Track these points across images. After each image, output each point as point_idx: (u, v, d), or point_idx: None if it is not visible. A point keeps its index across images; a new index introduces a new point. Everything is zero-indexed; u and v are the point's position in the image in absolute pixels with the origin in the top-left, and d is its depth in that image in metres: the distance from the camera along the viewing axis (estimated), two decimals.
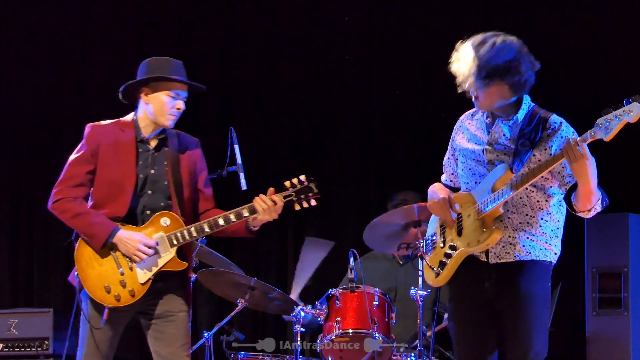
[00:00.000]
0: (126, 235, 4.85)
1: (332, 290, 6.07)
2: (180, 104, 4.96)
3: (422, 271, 4.82)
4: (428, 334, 6.44)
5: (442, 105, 7.68)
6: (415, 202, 6.65)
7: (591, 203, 4.34)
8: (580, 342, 6.48)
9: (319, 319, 6.06)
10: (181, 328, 4.95)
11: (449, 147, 4.79)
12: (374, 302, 5.97)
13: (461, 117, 4.76)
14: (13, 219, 8.46)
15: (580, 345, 6.48)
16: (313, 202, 4.98)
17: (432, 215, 4.78)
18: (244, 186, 5.70)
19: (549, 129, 4.44)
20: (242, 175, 5.80)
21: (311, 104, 8.18)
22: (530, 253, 4.47)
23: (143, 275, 4.87)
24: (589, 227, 6.47)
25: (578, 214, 4.44)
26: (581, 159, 4.19)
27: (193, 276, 6.13)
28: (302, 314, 6.04)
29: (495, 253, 4.48)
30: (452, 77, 7.46)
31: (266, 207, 4.90)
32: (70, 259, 8.24)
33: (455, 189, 4.75)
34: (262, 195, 4.92)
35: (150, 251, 4.85)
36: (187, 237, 4.89)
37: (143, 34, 8.52)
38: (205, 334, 6.29)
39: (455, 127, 4.76)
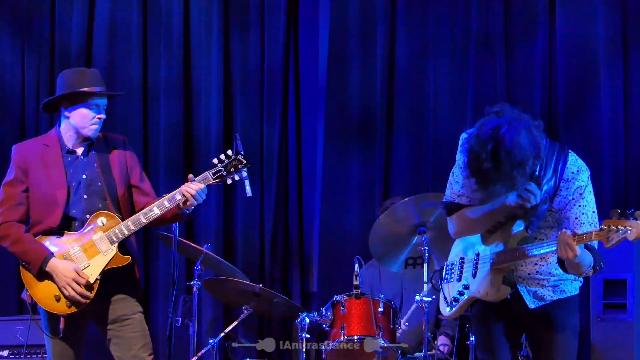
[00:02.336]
0: (60, 266, 4.90)
1: (337, 297, 6.03)
2: (101, 115, 5.06)
3: (440, 299, 4.81)
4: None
5: (445, 112, 7.71)
6: None
7: (581, 272, 4.32)
8: (586, 348, 6.46)
9: (324, 326, 6.03)
10: (138, 330, 5.01)
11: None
12: (379, 309, 5.93)
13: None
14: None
15: (586, 351, 6.48)
16: (244, 174, 5.07)
17: (455, 242, 4.75)
18: (249, 192, 5.65)
19: (565, 181, 4.34)
20: (247, 182, 5.75)
21: (312, 111, 8.16)
22: (564, 291, 4.49)
23: (90, 277, 4.92)
24: None
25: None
26: (572, 257, 4.18)
27: (198, 283, 6.12)
28: (307, 320, 6.00)
29: (532, 299, 4.48)
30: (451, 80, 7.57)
31: (193, 192, 4.93)
32: None
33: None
34: (189, 182, 4.98)
35: (80, 289, 4.88)
36: (126, 232, 4.96)
37: (147, 42, 8.44)
38: (211, 341, 6.33)
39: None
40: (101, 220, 4.96)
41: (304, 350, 6.01)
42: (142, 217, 4.96)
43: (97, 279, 4.91)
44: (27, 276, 5.02)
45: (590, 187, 4.39)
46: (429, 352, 6.00)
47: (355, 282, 5.97)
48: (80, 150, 5.09)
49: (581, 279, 4.50)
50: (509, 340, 4.60)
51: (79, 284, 4.88)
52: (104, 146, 5.12)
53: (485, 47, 7.59)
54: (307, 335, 6.03)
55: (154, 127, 8.18)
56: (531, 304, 4.46)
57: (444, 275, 4.76)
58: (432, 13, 7.77)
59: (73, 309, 4.91)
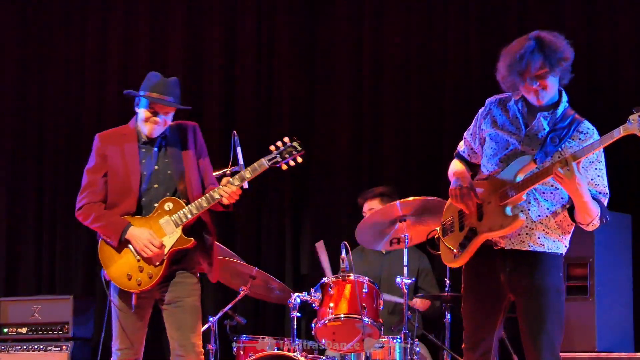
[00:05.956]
0: (136, 232, 4.97)
1: (325, 279, 6.07)
2: (158, 120, 5.05)
3: (440, 253, 4.63)
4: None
5: (430, 104, 7.74)
6: (389, 196, 6.69)
7: (590, 217, 4.23)
8: None
9: (313, 305, 6.04)
10: (189, 312, 5.01)
11: (473, 123, 4.57)
12: (364, 290, 5.93)
13: (490, 100, 4.52)
14: (37, 213, 8.47)
15: None
16: (299, 160, 5.05)
17: (449, 201, 4.56)
18: (245, 185, 5.70)
19: (582, 133, 4.29)
20: None
21: (306, 110, 8.19)
22: (543, 245, 4.32)
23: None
24: None
25: (579, 226, 4.34)
26: (570, 178, 4.09)
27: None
28: (298, 300, 6.02)
29: (511, 240, 4.33)
30: (440, 76, 7.59)
31: (225, 194, 4.97)
32: (88, 251, 8.31)
33: (470, 164, 4.59)
34: (224, 183, 5.00)
35: (155, 249, 4.95)
36: (189, 215, 4.98)
37: (155, 44, 8.55)
38: (211, 319, 6.32)
39: (484, 107, 4.52)
40: (167, 205, 5.00)
41: (295, 327, 6.02)
42: (204, 202, 4.98)
43: (163, 260, 4.97)
44: (104, 256, 5.07)
45: (603, 155, 4.32)
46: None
47: (342, 266, 5.97)
48: (154, 142, 5.12)
49: (566, 242, 4.38)
50: (498, 303, 4.43)
51: (154, 245, 4.93)
52: (177, 136, 5.15)
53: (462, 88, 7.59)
54: (299, 314, 6.04)
55: None
56: (508, 244, 4.35)
57: (442, 231, 4.61)
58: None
59: (142, 287, 4.98)
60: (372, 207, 6.78)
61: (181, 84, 7.80)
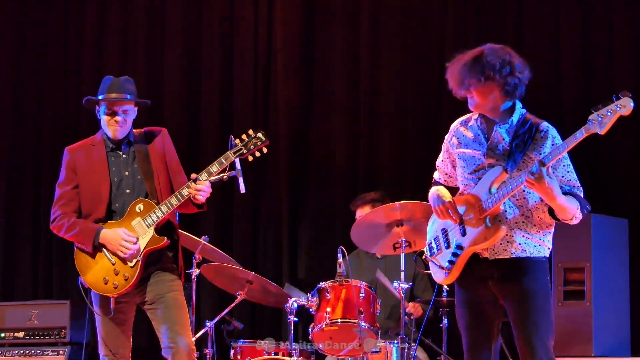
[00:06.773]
0: (109, 235, 5.01)
1: (322, 284, 6.06)
2: (118, 119, 5.11)
3: (432, 273, 4.67)
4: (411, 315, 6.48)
5: (427, 108, 7.77)
6: (381, 201, 6.71)
7: (569, 213, 4.32)
8: None
9: (310, 310, 6.04)
10: (171, 307, 5.03)
11: (443, 149, 4.69)
12: (361, 294, 5.95)
13: (454, 124, 4.66)
14: (34, 217, 8.48)
15: None
16: (264, 150, 5.10)
17: (431, 221, 4.69)
18: (242, 189, 5.68)
19: (542, 133, 4.38)
20: (241, 179, 5.76)
21: (303, 115, 8.20)
22: (525, 251, 4.38)
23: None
24: (555, 226, 6.48)
25: (564, 222, 4.40)
26: (540, 182, 4.18)
27: (197, 271, 6.18)
28: (295, 305, 6.02)
29: (493, 250, 4.40)
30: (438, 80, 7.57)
31: (195, 192, 4.98)
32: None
33: (448, 189, 4.66)
34: (195, 183, 5.01)
35: (132, 245, 4.97)
36: (160, 214, 5.02)
37: (151, 50, 8.55)
38: (208, 323, 6.33)
39: (449, 132, 4.66)
40: (139, 207, 5.04)
41: (292, 332, 6.03)
42: (173, 200, 5.01)
43: (137, 261, 5.00)
44: (80, 263, 5.12)
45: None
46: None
47: (339, 270, 5.99)
48: (121, 148, 5.17)
49: (548, 244, 4.44)
50: (492, 310, 4.47)
51: (129, 242, 4.97)
52: (144, 142, 5.19)
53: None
54: (296, 318, 6.05)
55: None
56: (492, 255, 4.40)
57: (429, 251, 4.66)
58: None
59: (119, 289, 5.00)
60: (364, 214, 6.75)
61: (177, 88, 7.81)
